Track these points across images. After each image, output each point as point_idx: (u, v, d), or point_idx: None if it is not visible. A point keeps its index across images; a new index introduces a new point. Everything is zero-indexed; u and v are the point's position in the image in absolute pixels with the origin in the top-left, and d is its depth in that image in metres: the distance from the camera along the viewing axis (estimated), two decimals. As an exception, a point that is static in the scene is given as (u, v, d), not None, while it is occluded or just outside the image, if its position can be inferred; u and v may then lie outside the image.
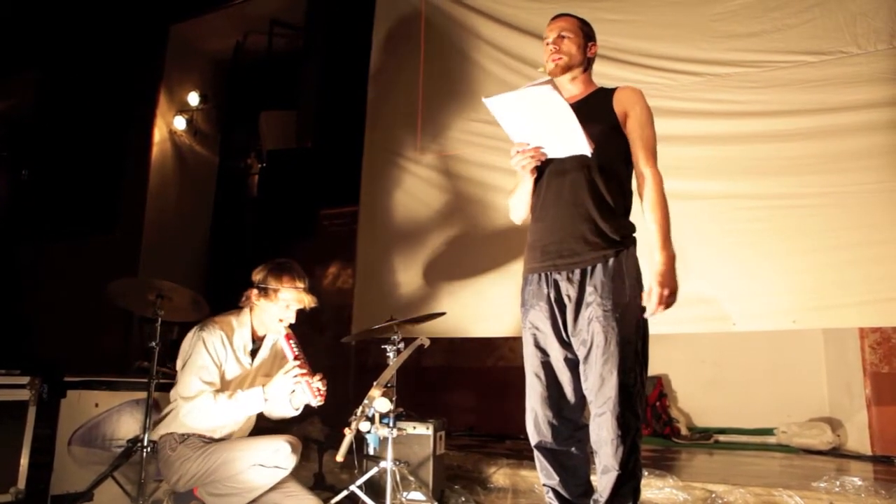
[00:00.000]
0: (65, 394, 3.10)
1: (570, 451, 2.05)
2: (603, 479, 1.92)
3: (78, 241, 6.74)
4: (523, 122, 1.93)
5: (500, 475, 3.46)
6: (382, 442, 2.62)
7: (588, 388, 1.96)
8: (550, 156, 2.01)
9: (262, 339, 2.73)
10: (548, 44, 2.18)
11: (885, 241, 3.22)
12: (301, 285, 2.61)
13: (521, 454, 3.80)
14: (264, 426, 2.78)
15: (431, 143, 4.66)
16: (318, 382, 2.51)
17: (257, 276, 2.63)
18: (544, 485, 2.08)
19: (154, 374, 2.89)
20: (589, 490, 2.08)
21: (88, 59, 7.03)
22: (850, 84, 3.42)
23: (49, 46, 7.26)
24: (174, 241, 6.57)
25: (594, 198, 2.02)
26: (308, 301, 2.62)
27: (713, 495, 2.91)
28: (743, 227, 3.52)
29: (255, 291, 2.61)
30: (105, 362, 5.48)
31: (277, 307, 2.59)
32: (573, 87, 2.19)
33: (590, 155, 1.95)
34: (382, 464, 2.67)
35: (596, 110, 2.09)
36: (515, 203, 2.22)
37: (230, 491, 2.41)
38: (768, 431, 4.58)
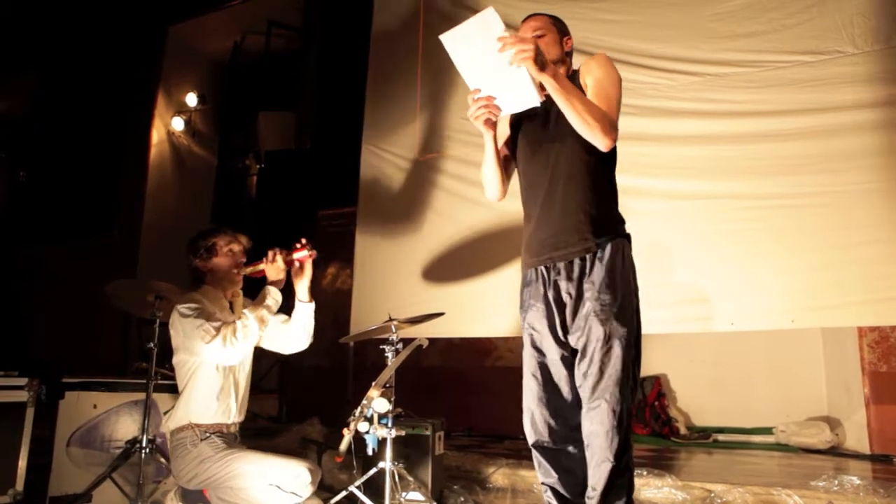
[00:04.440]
0: (63, 395, 3.09)
1: (567, 451, 2.06)
2: (597, 471, 1.91)
3: (76, 242, 6.74)
4: (477, 64, 1.92)
5: (499, 475, 3.45)
6: (381, 442, 2.61)
7: (583, 381, 1.96)
8: (504, 110, 2.00)
9: (231, 305, 2.76)
10: None
11: (883, 241, 3.22)
12: (228, 229, 2.73)
13: (520, 454, 3.79)
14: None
15: (429, 144, 4.66)
16: (297, 244, 2.60)
17: (190, 253, 2.70)
18: (543, 483, 2.09)
19: (152, 375, 2.89)
20: (583, 491, 2.09)
21: (87, 61, 7.03)
22: (848, 84, 3.42)
23: (47, 48, 7.26)
24: (172, 243, 6.51)
25: (583, 188, 2.02)
26: (244, 240, 2.74)
27: (712, 495, 2.91)
28: (741, 227, 3.52)
29: (197, 262, 2.68)
30: (103, 363, 5.47)
31: (223, 257, 2.68)
32: None
33: (538, 105, 1.94)
34: (381, 464, 2.66)
35: None
36: (484, 174, 2.20)
37: (239, 502, 2.41)
38: (767, 430, 4.58)
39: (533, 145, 2.11)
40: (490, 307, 4.13)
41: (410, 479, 2.89)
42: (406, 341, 2.82)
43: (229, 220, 6.72)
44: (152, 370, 2.90)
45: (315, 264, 2.65)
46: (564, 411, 2.06)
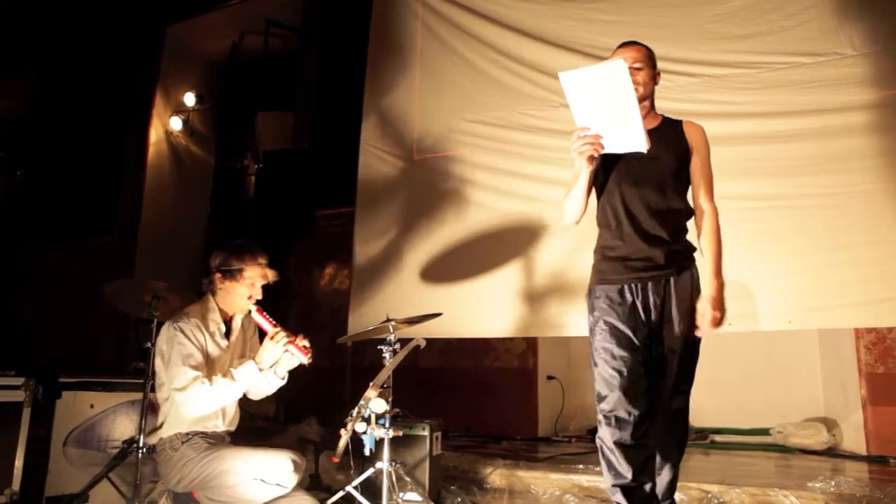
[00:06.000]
0: (60, 395, 3.09)
1: (647, 446, 2.12)
2: (671, 467, 2.20)
3: (74, 242, 6.73)
4: (590, 104, 2.01)
5: (496, 476, 3.45)
6: (379, 443, 2.62)
7: (663, 389, 2.16)
8: (607, 149, 2.09)
9: (230, 319, 2.74)
10: None
11: (880, 242, 3.22)
12: (263, 261, 2.66)
13: (517, 455, 3.80)
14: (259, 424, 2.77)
15: (427, 144, 4.66)
16: (303, 342, 2.55)
17: (216, 260, 2.65)
18: (614, 485, 2.09)
19: (150, 375, 2.89)
20: (653, 489, 2.14)
21: (85, 61, 7.02)
22: (846, 85, 3.43)
23: (46, 48, 7.25)
24: (171, 243, 6.56)
25: (674, 221, 2.21)
26: (271, 275, 2.67)
27: (709, 495, 2.91)
28: (739, 228, 3.52)
29: (218, 275, 2.63)
30: (101, 363, 5.46)
31: (244, 286, 2.62)
32: (646, 117, 2.25)
33: (645, 152, 2.06)
34: (379, 464, 2.66)
35: (672, 139, 2.26)
36: (572, 201, 2.24)
37: (228, 500, 2.41)
38: (764, 431, 4.58)
39: (634, 178, 2.22)
40: (488, 307, 4.13)
41: (408, 479, 2.89)
42: (404, 341, 2.82)
43: (227, 221, 6.74)
44: (150, 370, 2.89)
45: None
46: (642, 409, 2.12)
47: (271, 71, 6.67)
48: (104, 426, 3.19)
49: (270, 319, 2.57)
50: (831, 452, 4.14)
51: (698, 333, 2.12)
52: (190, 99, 6.75)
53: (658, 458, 2.16)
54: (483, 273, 4.20)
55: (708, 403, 4.87)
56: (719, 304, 2.09)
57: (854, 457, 3.98)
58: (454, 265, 4.32)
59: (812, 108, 3.49)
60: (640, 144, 2.03)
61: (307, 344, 2.56)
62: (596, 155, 2.10)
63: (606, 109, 2.00)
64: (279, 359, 2.57)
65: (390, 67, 4.96)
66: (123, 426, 3.23)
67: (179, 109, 6.84)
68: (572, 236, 3.76)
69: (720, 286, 2.13)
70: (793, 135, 3.51)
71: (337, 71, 5.92)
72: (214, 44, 7.02)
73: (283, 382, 2.67)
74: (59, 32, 7.08)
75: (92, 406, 3.17)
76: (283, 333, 2.51)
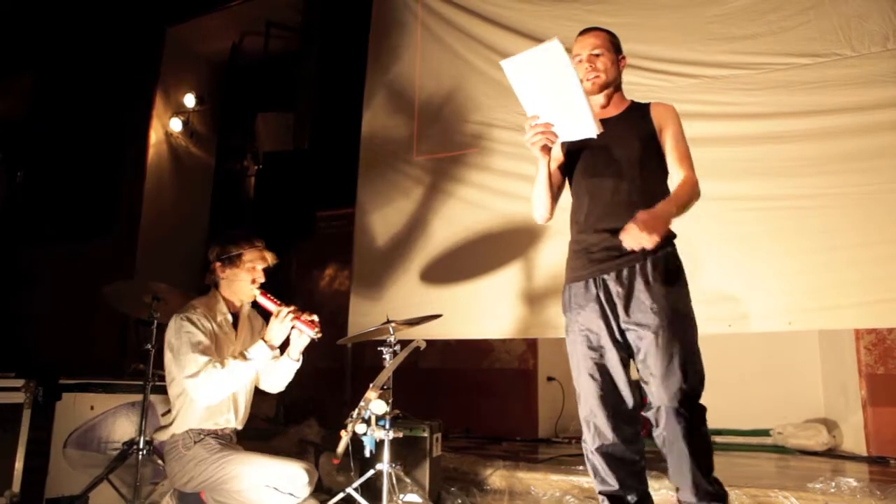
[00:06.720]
0: (60, 396, 3.10)
1: (632, 452, 2.07)
2: (682, 466, 1.99)
3: (74, 243, 6.72)
4: (536, 91, 1.95)
5: (496, 477, 3.45)
6: (379, 444, 2.62)
7: (650, 382, 2.00)
8: (561, 138, 2.02)
9: (238, 310, 2.75)
10: (580, 61, 2.16)
11: (881, 242, 3.22)
12: (259, 244, 2.69)
13: (517, 456, 3.80)
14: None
15: (427, 145, 4.66)
16: (308, 317, 2.56)
17: (214, 251, 2.68)
18: (600, 492, 2.06)
19: (150, 376, 2.90)
20: (645, 497, 2.08)
21: (84, 61, 7.01)
22: (845, 86, 3.43)
23: (45, 48, 7.25)
24: (171, 244, 6.55)
25: (641, 206, 2.02)
26: (269, 258, 2.71)
27: (709, 496, 2.90)
28: (739, 229, 3.53)
29: (218, 265, 2.65)
30: (101, 365, 5.46)
31: (244, 270, 2.64)
32: (609, 104, 2.23)
33: (595, 137, 1.97)
34: (379, 466, 2.66)
35: (636, 124, 2.17)
36: (536, 196, 2.21)
37: None
38: (764, 432, 4.58)
39: (596, 169, 2.15)
40: (488, 309, 4.13)
41: (408, 480, 2.89)
42: (404, 343, 2.82)
43: (228, 222, 6.74)
44: (150, 372, 2.90)
45: (312, 313, 2.61)
46: (626, 411, 2.06)
47: (271, 72, 6.67)
48: (104, 428, 3.19)
49: (275, 300, 2.59)
50: (831, 453, 4.14)
51: (622, 238, 1.87)
52: (190, 100, 6.75)
53: (672, 460, 2.04)
54: (483, 274, 4.19)
55: (708, 404, 4.86)
56: (650, 216, 1.86)
57: (854, 458, 3.98)
58: (454, 266, 4.32)
59: (811, 109, 3.49)
60: (591, 129, 1.95)
61: (314, 319, 2.57)
62: (550, 144, 2.03)
63: (552, 95, 1.93)
64: (289, 339, 2.59)
65: (390, 68, 4.96)
66: (123, 428, 3.23)
67: (179, 110, 6.83)
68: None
69: (665, 209, 1.93)
70: (792, 135, 3.50)
71: (337, 71, 5.92)
72: (214, 45, 7.02)
73: (299, 364, 2.68)
74: (59, 33, 7.07)
75: (92, 408, 3.18)
76: (286, 309, 2.52)
